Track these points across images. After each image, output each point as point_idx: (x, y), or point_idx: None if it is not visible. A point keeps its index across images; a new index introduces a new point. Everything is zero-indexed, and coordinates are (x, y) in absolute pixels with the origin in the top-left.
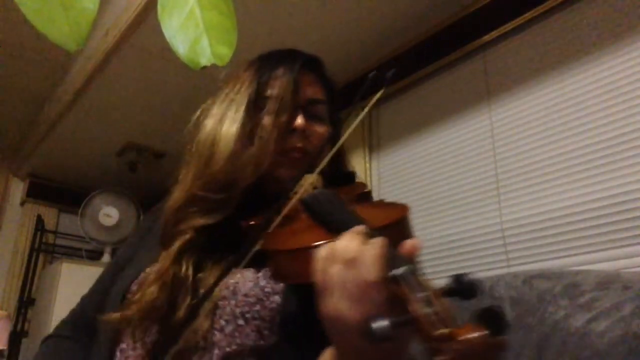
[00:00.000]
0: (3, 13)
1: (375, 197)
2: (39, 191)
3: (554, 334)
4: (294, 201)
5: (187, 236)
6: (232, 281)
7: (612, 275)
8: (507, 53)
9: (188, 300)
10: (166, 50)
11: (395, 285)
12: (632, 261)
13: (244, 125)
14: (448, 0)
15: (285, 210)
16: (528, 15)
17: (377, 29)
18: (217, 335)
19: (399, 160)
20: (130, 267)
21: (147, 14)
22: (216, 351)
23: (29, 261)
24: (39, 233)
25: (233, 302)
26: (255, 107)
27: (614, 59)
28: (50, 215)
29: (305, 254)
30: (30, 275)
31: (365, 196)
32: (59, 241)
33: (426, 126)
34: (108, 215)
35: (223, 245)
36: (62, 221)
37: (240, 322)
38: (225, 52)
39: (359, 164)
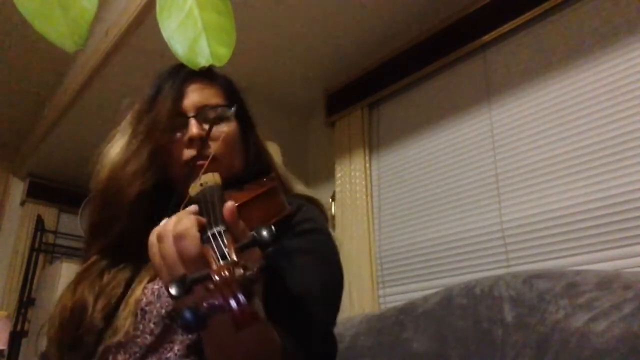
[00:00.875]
0: (3, 13)
1: (375, 198)
2: (39, 191)
3: (554, 334)
4: (185, 201)
5: (90, 261)
6: (156, 287)
7: (612, 275)
8: (507, 53)
9: (96, 312)
10: (166, 50)
11: (205, 247)
12: (632, 261)
13: (127, 146)
14: (448, 0)
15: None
16: (528, 15)
17: (378, 29)
18: (149, 339)
19: (398, 160)
20: None
21: (147, 14)
22: (150, 354)
23: (29, 261)
24: (39, 233)
25: (158, 304)
26: (139, 126)
27: (614, 59)
28: (50, 215)
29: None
30: (30, 275)
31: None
32: (59, 241)
33: (426, 126)
34: None
35: (131, 255)
36: (62, 221)
37: (167, 321)
38: (223, 52)
39: (359, 164)
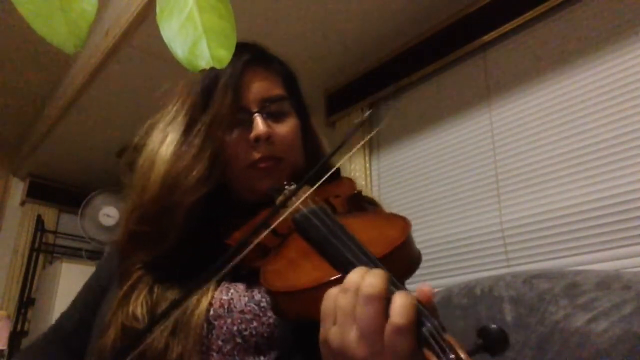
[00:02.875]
0: (2, 14)
1: (375, 196)
2: (39, 191)
3: (554, 334)
4: (282, 217)
5: (135, 276)
6: (225, 297)
7: (612, 275)
8: (507, 53)
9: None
10: (166, 50)
11: (419, 341)
12: (632, 261)
13: (180, 146)
14: (448, 0)
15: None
16: (528, 15)
17: (378, 29)
18: (215, 357)
19: (399, 160)
20: (113, 291)
21: (147, 14)
22: None
23: (29, 261)
24: (39, 233)
25: (229, 320)
26: (196, 123)
27: (613, 59)
28: (50, 215)
29: (310, 294)
30: (30, 275)
31: (356, 200)
32: (59, 241)
33: (426, 126)
34: (108, 215)
35: (197, 267)
36: (62, 221)
37: (239, 340)
38: (224, 55)
39: (359, 164)
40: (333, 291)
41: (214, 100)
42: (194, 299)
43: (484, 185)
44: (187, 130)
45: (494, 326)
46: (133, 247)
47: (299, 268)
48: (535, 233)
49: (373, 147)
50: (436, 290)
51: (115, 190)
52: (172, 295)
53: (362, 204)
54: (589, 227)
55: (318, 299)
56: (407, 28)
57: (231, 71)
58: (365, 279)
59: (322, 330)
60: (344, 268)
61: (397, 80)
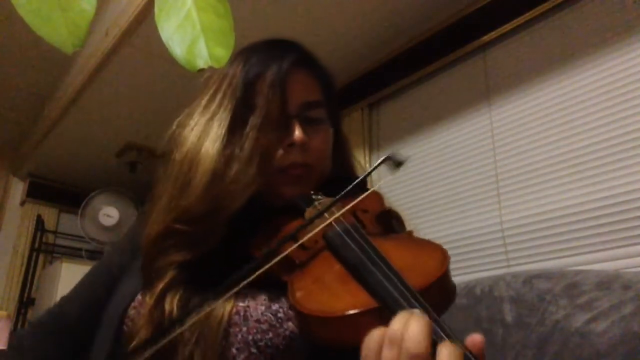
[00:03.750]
0: (2, 14)
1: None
2: (39, 191)
3: (554, 334)
4: (313, 232)
5: (170, 275)
6: (241, 305)
7: (612, 275)
8: (507, 53)
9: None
10: (165, 50)
11: None
12: (632, 261)
13: (227, 144)
14: (448, 0)
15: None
16: (528, 15)
17: (377, 29)
18: None
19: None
20: (125, 283)
21: (147, 14)
22: None
23: (29, 261)
24: (39, 233)
25: (245, 328)
26: (241, 120)
27: (614, 59)
28: (50, 215)
29: (344, 322)
30: (30, 275)
31: (385, 218)
32: (59, 241)
33: (426, 126)
34: (108, 215)
35: (220, 272)
36: (62, 221)
37: (253, 350)
38: (222, 54)
39: (359, 164)
40: (376, 339)
41: (260, 100)
42: (216, 306)
43: (484, 185)
44: (233, 128)
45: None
46: (169, 246)
47: (331, 291)
48: (535, 233)
49: (373, 147)
50: None
51: (115, 190)
52: (201, 299)
53: (391, 222)
54: (589, 227)
55: (351, 327)
56: (407, 28)
57: (277, 70)
58: (409, 331)
59: None
60: (382, 298)
61: (397, 80)
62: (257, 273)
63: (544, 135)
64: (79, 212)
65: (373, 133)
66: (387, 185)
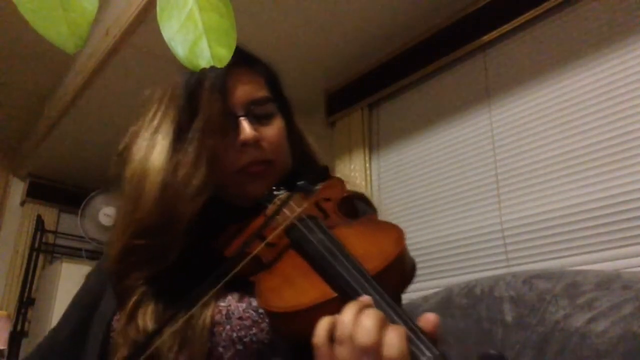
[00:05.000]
0: (2, 14)
1: (375, 198)
2: (39, 191)
3: (554, 334)
4: (277, 232)
5: (139, 291)
6: (222, 304)
7: (612, 275)
8: (507, 53)
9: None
10: (166, 50)
11: None
12: (632, 261)
13: (173, 153)
14: (448, 0)
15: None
16: (528, 15)
17: (377, 29)
18: None
19: (398, 161)
20: (106, 300)
21: (148, 14)
22: None
23: (29, 261)
24: (39, 233)
25: (228, 326)
26: (186, 128)
27: (613, 59)
28: (50, 215)
29: (306, 315)
30: (30, 275)
31: (347, 203)
32: (59, 241)
33: (426, 126)
34: (108, 215)
35: (192, 277)
36: (62, 221)
37: (239, 346)
38: (224, 54)
39: (359, 164)
40: (324, 332)
41: (202, 105)
42: (197, 311)
43: (484, 185)
44: (178, 138)
45: (493, 352)
46: (132, 263)
47: (295, 286)
48: (535, 233)
49: (373, 147)
50: (436, 290)
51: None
52: (178, 307)
53: (353, 207)
54: (589, 227)
55: (314, 319)
56: (407, 28)
57: (215, 74)
58: (361, 324)
59: None
60: (341, 288)
61: (397, 80)
62: (231, 274)
63: (544, 135)
64: (79, 212)
65: (373, 133)
66: (388, 185)
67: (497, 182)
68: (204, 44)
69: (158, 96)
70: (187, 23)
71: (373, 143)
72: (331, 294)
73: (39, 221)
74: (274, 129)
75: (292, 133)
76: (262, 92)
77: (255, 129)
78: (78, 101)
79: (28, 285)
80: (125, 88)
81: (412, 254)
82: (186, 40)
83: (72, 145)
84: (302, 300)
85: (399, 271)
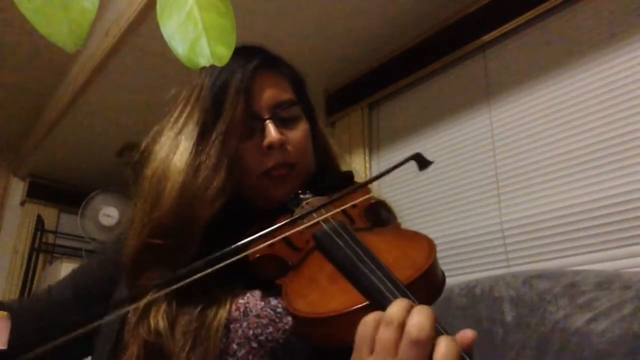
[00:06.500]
0: (2, 14)
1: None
2: (39, 191)
3: (554, 334)
4: (304, 235)
5: (153, 290)
6: (241, 301)
7: (612, 275)
8: (507, 53)
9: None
10: (166, 50)
11: None
12: (632, 261)
13: (195, 155)
14: (448, 0)
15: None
16: (528, 15)
17: (377, 29)
18: None
19: (398, 160)
20: (117, 294)
21: (148, 14)
22: None
23: (29, 261)
24: (39, 233)
25: (245, 323)
26: (210, 131)
27: (613, 59)
28: (50, 215)
29: (335, 321)
30: (30, 275)
31: (373, 211)
32: (59, 241)
33: (426, 126)
34: (108, 215)
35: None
36: (62, 221)
37: (254, 344)
38: (224, 53)
39: (359, 164)
40: (371, 320)
41: (226, 108)
42: (213, 308)
43: (484, 185)
44: (201, 139)
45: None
46: (148, 262)
47: (322, 291)
48: (535, 233)
49: (373, 147)
50: None
51: (116, 190)
52: (192, 307)
53: (379, 214)
54: (589, 227)
55: (343, 326)
56: (407, 28)
57: (241, 77)
58: (413, 318)
59: (356, 355)
60: (372, 295)
61: (396, 80)
62: (242, 254)
63: (544, 135)
64: (79, 212)
65: (373, 133)
66: (388, 185)
67: (497, 182)
68: (203, 43)
69: (184, 96)
70: (187, 22)
71: (373, 143)
72: (362, 301)
73: (39, 221)
74: (299, 132)
75: (317, 137)
76: (287, 95)
77: (280, 132)
78: (78, 101)
79: (28, 285)
80: (125, 88)
81: None
82: (186, 39)
83: (72, 145)
84: (331, 307)
85: (430, 282)
